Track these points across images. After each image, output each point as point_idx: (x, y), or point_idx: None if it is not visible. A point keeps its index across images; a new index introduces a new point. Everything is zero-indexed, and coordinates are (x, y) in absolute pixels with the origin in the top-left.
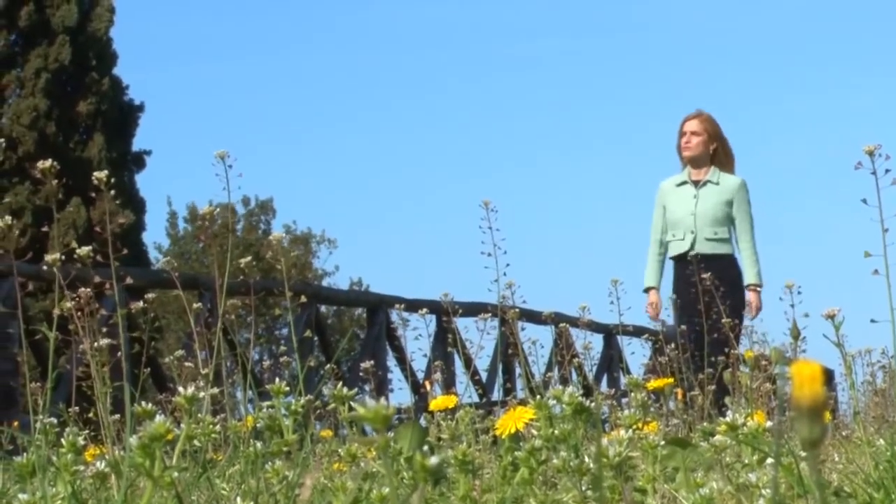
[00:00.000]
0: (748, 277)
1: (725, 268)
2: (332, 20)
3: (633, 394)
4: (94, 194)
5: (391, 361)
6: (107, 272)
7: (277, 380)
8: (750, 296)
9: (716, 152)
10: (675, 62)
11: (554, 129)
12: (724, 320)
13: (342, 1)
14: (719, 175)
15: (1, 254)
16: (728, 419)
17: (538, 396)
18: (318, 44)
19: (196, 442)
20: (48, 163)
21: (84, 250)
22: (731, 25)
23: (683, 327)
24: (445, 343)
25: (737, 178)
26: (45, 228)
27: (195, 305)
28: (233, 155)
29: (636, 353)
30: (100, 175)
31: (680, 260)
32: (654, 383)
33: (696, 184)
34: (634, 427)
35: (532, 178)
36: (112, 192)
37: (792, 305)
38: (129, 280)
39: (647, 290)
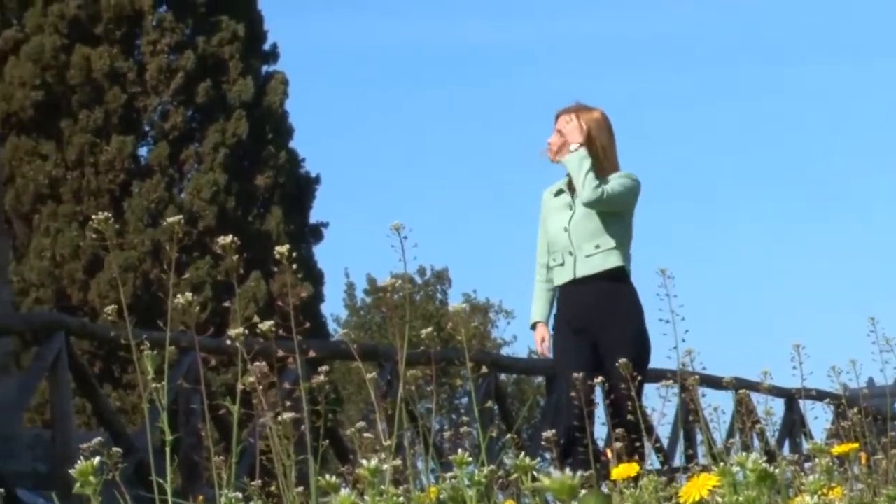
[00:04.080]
0: None
1: (616, 288)
2: (497, 87)
3: (817, 459)
4: (275, 268)
5: None
6: (288, 345)
7: (459, 450)
8: None
9: (593, 156)
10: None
11: (729, 192)
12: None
13: (513, 66)
14: (602, 179)
15: (183, 329)
16: None
17: (721, 463)
18: (486, 112)
19: None
20: (229, 238)
21: (267, 325)
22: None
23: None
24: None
25: (620, 171)
26: (226, 304)
27: (369, 376)
28: (407, 225)
29: (819, 418)
30: (282, 249)
31: (563, 291)
32: (838, 448)
33: (574, 192)
34: (819, 492)
35: (710, 244)
36: (294, 265)
37: None
38: (311, 353)
39: (533, 326)
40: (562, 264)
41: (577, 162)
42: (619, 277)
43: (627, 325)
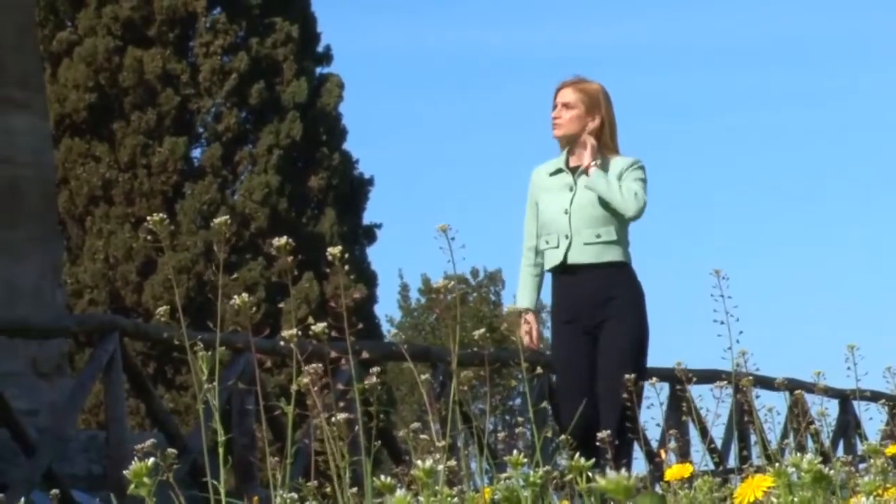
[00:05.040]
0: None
1: (615, 281)
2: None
3: (872, 460)
4: (328, 269)
5: None
6: (341, 346)
7: (514, 451)
8: None
9: (599, 132)
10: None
11: (781, 193)
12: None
13: (569, 69)
14: (603, 159)
15: (237, 330)
16: None
17: (776, 464)
18: (542, 114)
19: None
20: (283, 240)
21: (319, 327)
22: None
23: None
24: (679, 411)
25: (627, 158)
26: (281, 305)
27: (423, 377)
28: (458, 227)
29: (873, 419)
30: (334, 251)
31: (556, 275)
32: (893, 449)
33: (575, 171)
34: (874, 493)
35: (763, 244)
36: (346, 266)
37: None
38: (364, 354)
39: (519, 314)
40: (555, 247)
41: (605, 185)
42: (619, 269)
43: (627, 317)
